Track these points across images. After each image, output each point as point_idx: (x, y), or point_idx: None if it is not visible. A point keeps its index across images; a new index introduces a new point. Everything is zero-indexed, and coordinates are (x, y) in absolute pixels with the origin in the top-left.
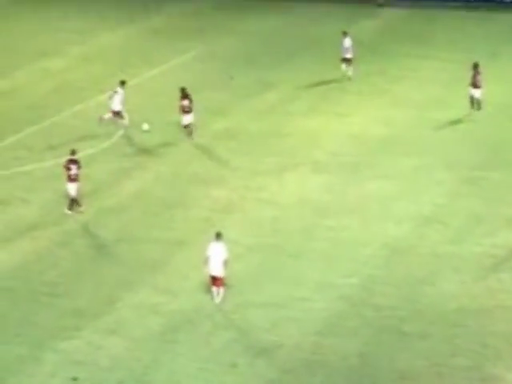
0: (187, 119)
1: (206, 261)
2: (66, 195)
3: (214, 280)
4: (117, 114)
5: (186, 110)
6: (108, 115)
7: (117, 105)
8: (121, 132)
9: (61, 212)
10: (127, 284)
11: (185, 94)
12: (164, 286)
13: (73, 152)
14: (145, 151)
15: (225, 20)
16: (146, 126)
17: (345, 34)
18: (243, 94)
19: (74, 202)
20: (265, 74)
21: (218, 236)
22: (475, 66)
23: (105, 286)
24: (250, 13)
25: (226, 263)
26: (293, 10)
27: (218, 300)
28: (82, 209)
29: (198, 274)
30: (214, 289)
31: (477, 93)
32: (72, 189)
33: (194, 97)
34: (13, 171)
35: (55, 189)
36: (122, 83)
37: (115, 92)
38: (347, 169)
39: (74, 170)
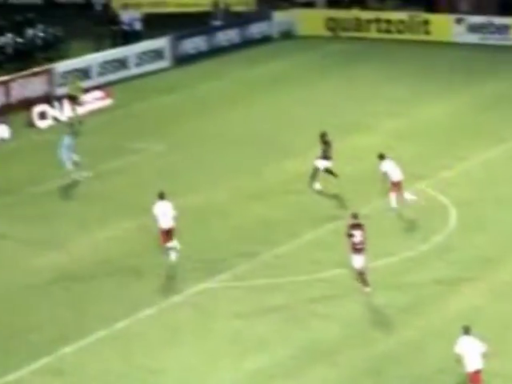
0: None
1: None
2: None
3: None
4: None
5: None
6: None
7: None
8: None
9: (368, 331)
10: None
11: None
12: None
13: (355, 216)
14: (478, 258)
15: None
16: (317, 186)
17: None
18: None
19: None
20: None
21: (466, 330)
22: None
23: None
24: None
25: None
26: None
27: None
28: (367, 289)
29: None
30: None
31: None
32: (358, 261)
33: None
34: (310, 277)
35: (361, 300)
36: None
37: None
38: None
39: (358, 237)
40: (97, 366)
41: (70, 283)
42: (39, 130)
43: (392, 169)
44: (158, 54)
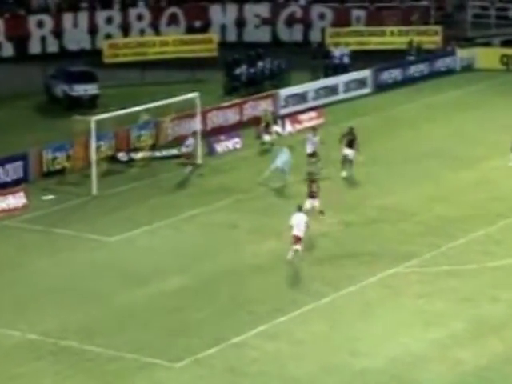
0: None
1: None
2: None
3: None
4: None
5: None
6: None
7: None
8: None
9: None
10: None
11: None
12: None
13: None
14: None
15: None
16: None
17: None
18: None
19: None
20: None
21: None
22: None
23: None
24: None
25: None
26: None
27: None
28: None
29: None
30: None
31: None
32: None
33: None
34: (482, 266)
35: None
36: None
37: None
38: None
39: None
40: (305, 332)
41: (282, 265)
42: (264, 142)
43: None
44: (362, 83)
